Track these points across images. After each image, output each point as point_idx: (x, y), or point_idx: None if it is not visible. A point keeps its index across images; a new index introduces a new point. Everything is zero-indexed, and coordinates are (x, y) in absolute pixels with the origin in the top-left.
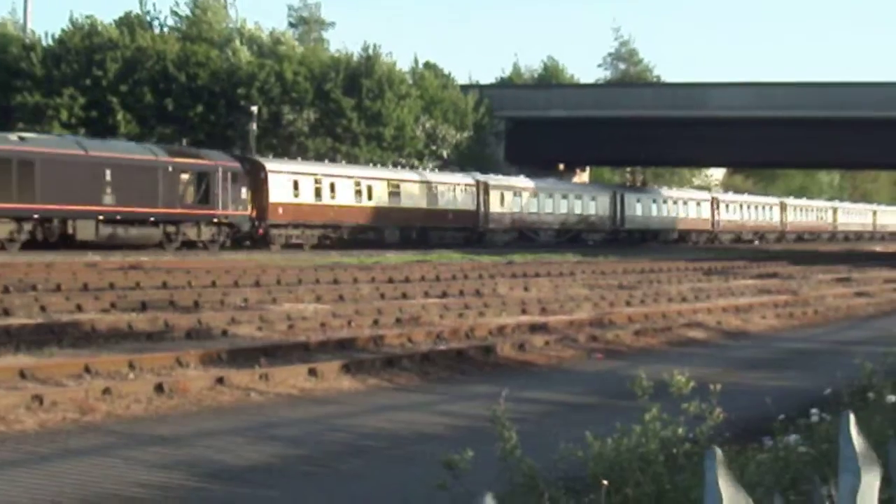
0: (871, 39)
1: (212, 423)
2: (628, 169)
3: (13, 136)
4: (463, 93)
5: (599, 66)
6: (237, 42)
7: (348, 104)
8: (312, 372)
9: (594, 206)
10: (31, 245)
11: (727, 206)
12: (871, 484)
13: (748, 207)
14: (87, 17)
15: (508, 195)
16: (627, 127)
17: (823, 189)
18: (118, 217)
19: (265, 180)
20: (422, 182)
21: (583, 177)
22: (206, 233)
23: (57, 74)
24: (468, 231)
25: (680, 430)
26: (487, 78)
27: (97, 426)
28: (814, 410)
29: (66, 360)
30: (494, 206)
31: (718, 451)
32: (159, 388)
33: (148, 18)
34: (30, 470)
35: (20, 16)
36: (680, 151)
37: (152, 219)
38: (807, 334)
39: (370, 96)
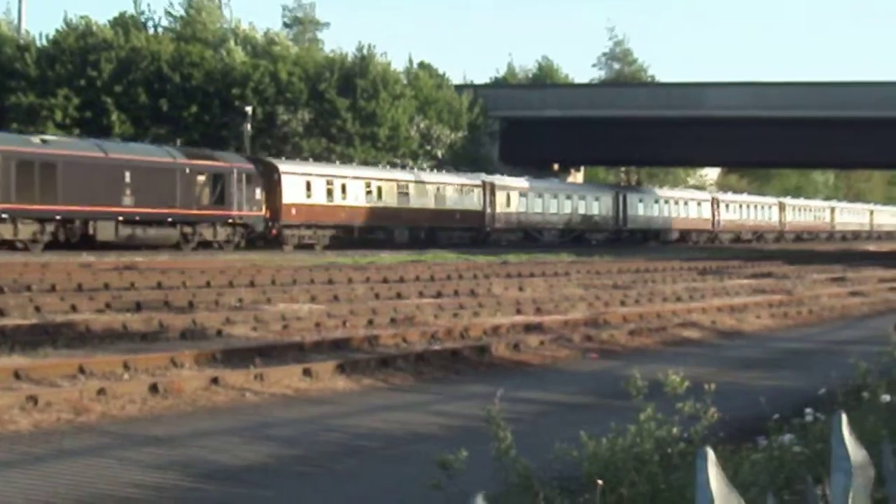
0: (867, 39)
1: (206, 424)
2: (623, 169)
3: (35, 139)
4: (457, 93)
5: (594, 65)
6: (231, 42)
7: (343, 104)
8: (307, 372)
9: (597, 206)
10: (53, 246)
11: (727, 206)
12: (863, 483)
13: (748, 207)
14: (82, 17)
15: (514, 196)
16: (622, 127)
17: (818, 189)
18: (137, 218)
19: (278, 181)
20: (430, 183)
21: (577, 177)
22: (222, 233)
23: (51, 75)
24: (475, 231)
25: (674, 430)
26: (482, 78)
27: (92, 427)
28: (808, 410)
29: (60, 361)
30: (500, 207)
31: (710, 452)
32: (154, 388)
33: (142, 19)
34: (24, 470)
35: (14, 16)
36: (675, 151)
37: (170, 219)
38: (801, 334)
39: (365, 96)
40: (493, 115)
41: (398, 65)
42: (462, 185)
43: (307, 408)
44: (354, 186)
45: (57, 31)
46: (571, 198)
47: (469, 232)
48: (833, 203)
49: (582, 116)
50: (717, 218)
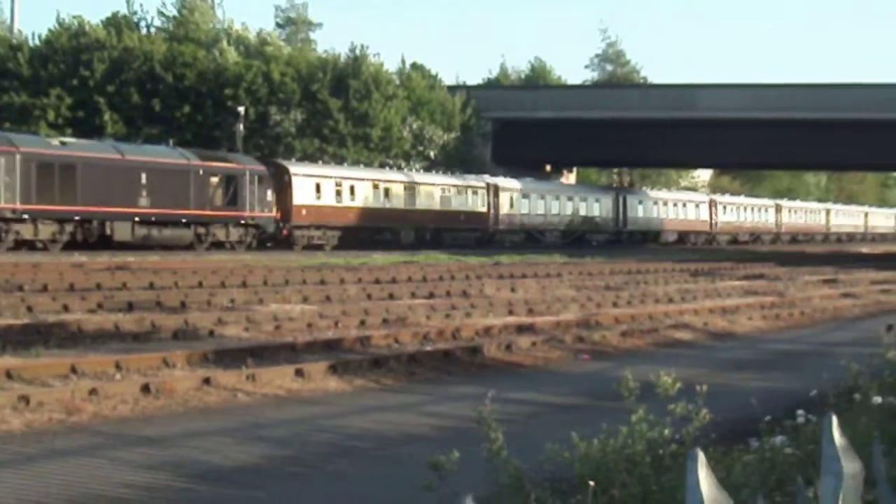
0: (860, 41)
1: (198, 424)
2: (615, 170)
3: (55, 141)
4: (450, 94)
5: (586, 67)
6: (224, 43)
7: (335, 105)
8: (299, 373)
9: (598, 207)
10: (71, 246)
11: (724, 207)
12: (853, 485)
13: (745, 209)
14: (75, 17)
15: (517, 197)
16: (614, 128)
17: (810, 190)
18: (153, 218)
19: (289, 183)
20: (436, 185)
21: (570, 178)
22: (234, 234)
23: (44, 74)
24: (479, 232)
25: (666, 432)
26: (474, 79)
27: (84, 427)
28: (800, 412)
29: (52, 361)
30: (504, 208)
31: (700, 453)
32: (146, 388)
33: (135, 19)
34: (16, 470)
35: (7, 16)
36: (667, 153)
37: (184, 220)
38: (793, 335)
39: (357, 97)
40: (485, 116)
41: (391, 65)
42: (467, 187)
43: (299, 408)
44: (362, 188)
45: (49, 30)
46: (573, 199)
47: (473, 233)
48: (828, 205)
49: (575, 118)
50: (714, 220)
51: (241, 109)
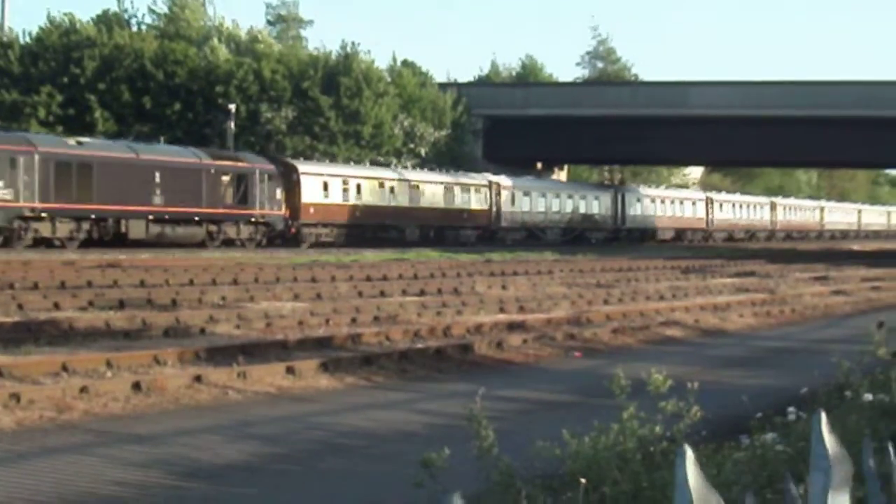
0: (851, 38)
1: (189, 422)
2: (606, 168)
3: (71, 141)
4: (441, 91)
5: (577, 64)
6: (215, 40)
7: (326, 102)
8: (290, 370)
9: (597, 205)
10: (87, 244)
11: (721, 205)
12: (842, 482)
13: (740, 207)
14: (66, 14)
15: (518, 195)
16: (606, 126)
17: (801, 188)
18: (166, 217)
19: (297, 182)
20: (439, 183)
21: (561, 175)
22: (245, 232)
23: (34, 72)
24: (482, 230)
25: (657, 429)
26: (465, 76)
27: (74, 424)
28: (791, 409)
29: (43, 359)
30: (506, 206)
31: (689, 450)
32: (137, 386)
33: (126, 16)
34: (7, 468)
35: None
36: (658, 150)
37: (196, 218)
38: (784, 333)
39: (348, 94)
40: (476, 114)
41: (382, 63)
42: (469, 185)
43: (290, 406)
44: (368, 186)
45: (40, 28)
46: (573, 197)
47: (476, 230)
48: (822, 203)
49: (565, 115)
50: (711, 217)
51: (232, 107)
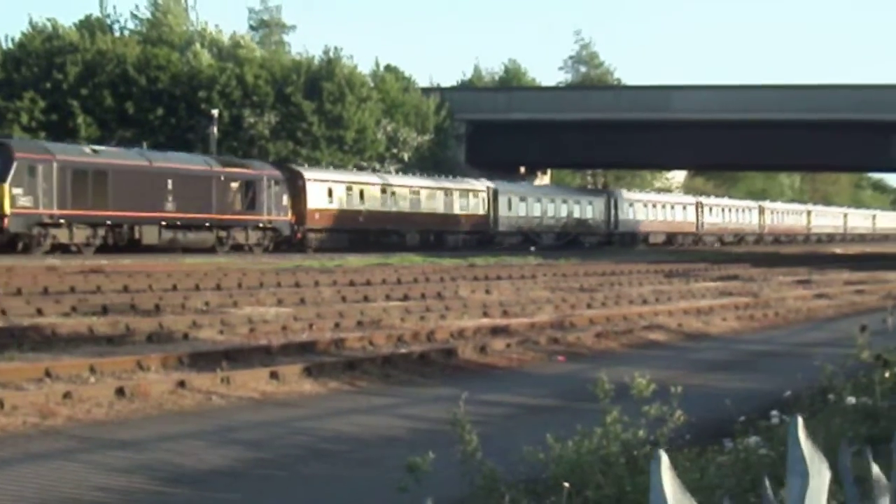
0: (834, 42)
1: (173, 427)
2: (589, 172)
3: (87, 149)
4: (424, 96)
5: (560, 68)
6: (198, 45)
7: (309, 107)
8: (274, 375)
9: (591, 210)
10: (101, 249)
11: (710, 209)
12: (819, 487)
13: (730, 211)
14: (48, 19)
15: (515, 200)
16: (589, 130)
17: (784, 191)
18: (178, 223)
19: (303, 188)
20: (439, 188)
21: (544, 180)
22: (253, 237)
23: (17, 78)
24: (480, 234)
25: (641, 433)
26: (448, 81)
27: (58, 430)
28: (774, 412)
29: (26, 365)
30: (503, 211)
31: (665, 456)
32: (120, 391)
33: (108, 22)
34: None
35: None
36: (641, 154)
37: (207, 224)
38: (767, 336)
39: (331, 99)
40: (459, 118)
41: (364, 68)
42: (468, 191)
43: (274, 411)
44: (371, 193)
45: (22, 33)
46: (567, 202)
47: (475, 235)
48: (809, 206)
49: (548, 119)
50: (701, 221)
51: (215, 112)
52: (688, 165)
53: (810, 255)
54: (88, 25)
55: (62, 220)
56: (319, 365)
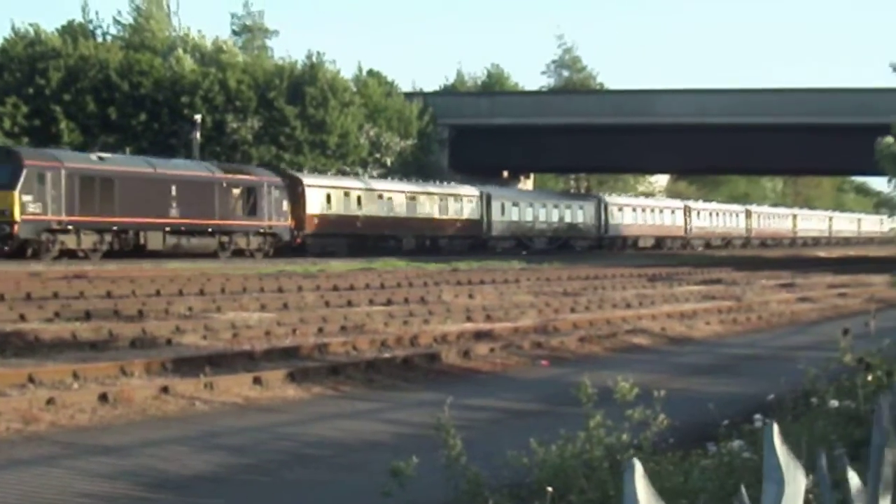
0: (815, 46)
1: (156, 433)
2: (573, 176)
3: (93, 156)
4: (407, 100)
5: (543, 73)
6: (180, 51)
7: (292, 112)
8: (257, 380)
9: (581, 214)
10: (107, 255)
11: (698, 213)
12: (794, 493)
13: (717, 215)
14: (31, 25)
15: (508, 205)
16: (572, 134)
17: (766, 195)
18: (182, 228)
19: (302, 194)
20: (434, 194)
21: (527, 184)
22: (254, 242)
23: None
24: (473, 239)
25: (624, 437)
26: (431, 85)
27: (41, 436)
28: (757, 416)
29: (9, 371)
30: (496, 216)
31: (638, 464)
32: (104, 397)
33: (91, 27)
34: None
35: None
36: (624, 158)
37: (210, 230)
38: (751, 340)
39: (314, 104)
40: (442, 123)
41: (347, 72)
42: (463, 196)
43: (257, 416)
44: (368, 198)
45: (5, 39)
46: (559, 207)
47: (469, 240)
48: (795, 210)
49: (531, 124)
50: (689, 225)
51: (198, 117)
52: (671, 169)
53: (794, 259)
54: (71, 31)
55: (70, 227)
56: (303, 370)
